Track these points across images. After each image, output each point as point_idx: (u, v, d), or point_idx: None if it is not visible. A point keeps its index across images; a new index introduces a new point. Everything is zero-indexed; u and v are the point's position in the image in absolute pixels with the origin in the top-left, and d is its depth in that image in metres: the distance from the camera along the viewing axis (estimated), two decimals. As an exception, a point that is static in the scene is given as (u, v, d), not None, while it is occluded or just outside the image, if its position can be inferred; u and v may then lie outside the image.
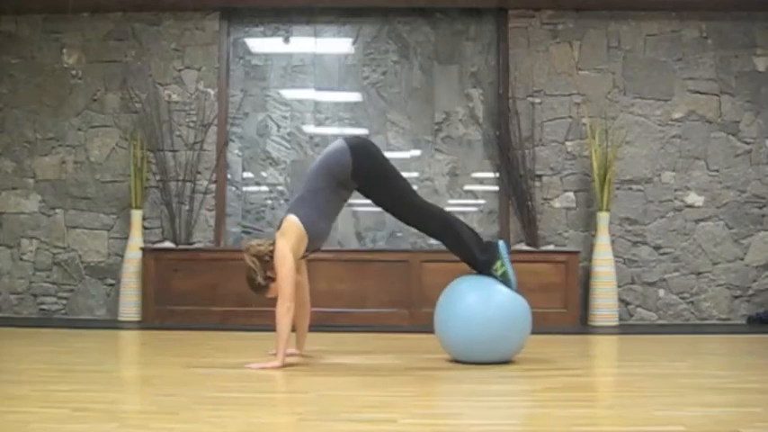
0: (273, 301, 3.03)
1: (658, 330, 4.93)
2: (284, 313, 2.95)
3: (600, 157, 5.42)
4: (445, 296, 3.17)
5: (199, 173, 5.73)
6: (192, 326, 4.93)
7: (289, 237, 3.04)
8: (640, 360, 3.33)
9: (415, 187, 5.73)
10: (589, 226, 5.59)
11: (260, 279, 3.08)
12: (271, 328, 3.03)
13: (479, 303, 3.04)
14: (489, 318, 2.99)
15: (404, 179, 3.19)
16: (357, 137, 3.25)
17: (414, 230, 5.70)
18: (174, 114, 5.77)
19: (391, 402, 2.20)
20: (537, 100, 5.71)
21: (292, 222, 3.06)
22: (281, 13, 5.93)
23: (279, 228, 3.10)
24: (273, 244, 3.09)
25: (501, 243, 3.15)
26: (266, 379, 2.67)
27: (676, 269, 5.57)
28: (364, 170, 3.11)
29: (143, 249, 5.34)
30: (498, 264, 3.10)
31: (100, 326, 4.99)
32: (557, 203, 5.64)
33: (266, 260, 3.08)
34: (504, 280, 3.10)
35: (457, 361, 3.14)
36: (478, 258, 3.13)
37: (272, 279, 3.07)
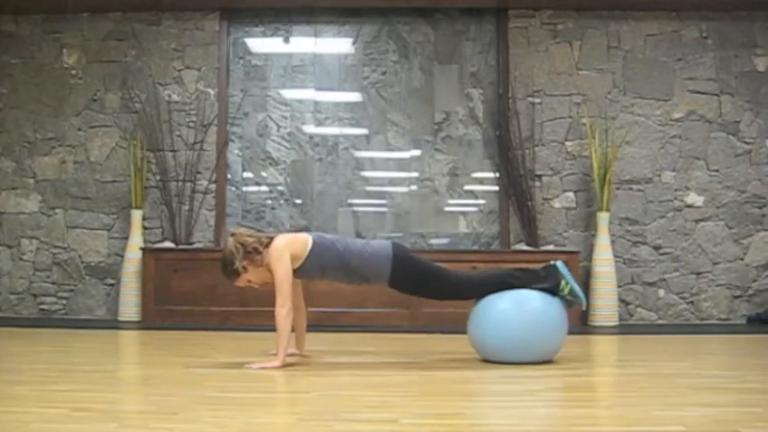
0: (273, 302, 3.03)
1: (658, 330, 4.93)
2: (284, 314, 2.95)
3: (600, 157, 5.42)
4: (480, 304, 3.16)
5: (199, 173, 5.73)
6: (192, 326, 4.93)
7: (292, 244, 3.03)
8: (640, 360, 3.33)
9: (414, 187, 5.76)
10: (589, 226, 5.59)
11: (237, 264, 3.02)
12: (270, 328, 3.03)
13: (515, 307, 3.05)
14: (525, 319, 3.02)
15: (440, 272, 3.16)
16: (402, 247, 3.20)
17: (414, 230, 5.72)
18: (174, 114, 5.77)
19: (391, 402, 2.20)
20: (537, 100, 5.71)
21: (305, 239, 3.07)
22: (281, 13, 5.93)
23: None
24: (269, 240, 3.07)
25: (559, 264, 3.14)
26: (266, 379, 2.67)
27: (676, 269, 5.57)
28: (400, 280, 3.13)
29: (143, 249, 5.34)
30: (563, 283, 3.10)
31: (100, 326, 4.99)
32: (557, 203, 5.64)
33: (249, 251, 3.04)
34: (572, 297, 3.11)
35: (487, 361, 3.12)
36: (545, 288, 3.11)
37: (245, 270, 3.04)
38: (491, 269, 3.30)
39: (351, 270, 3.09)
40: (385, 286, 3.16)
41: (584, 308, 3.19)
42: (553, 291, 3.10)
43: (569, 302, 3.14)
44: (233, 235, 3.09)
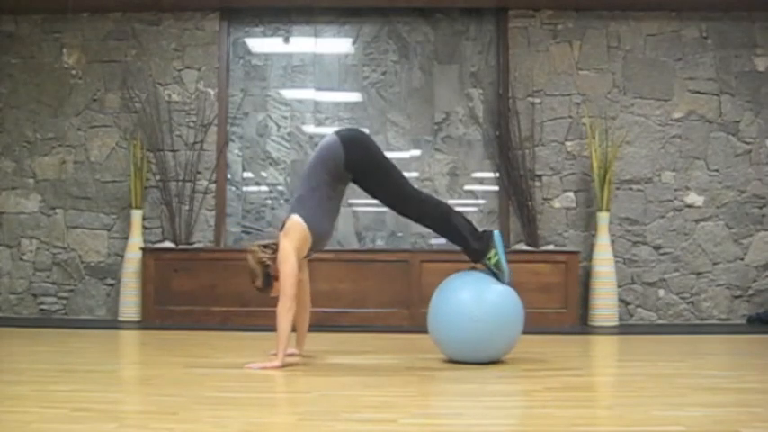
0: (273, 301, 3.03)
1: (658, 330, 4.93)
2: (285, 312, 2.95)
3: (600, 157, 5.42)
4: (437, 294, 3.17)
5: (199, 173, 5.73)
6: (192, 326, 4.93)
7: (292, 237, 3.04)
8: (640, 360, 3.33)
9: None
10: (589, 226, 5.59)
11: (259, 283, 3.10)
12: (271, 328, 3.03)
13: (471, 301, 3.03)
14: (481, 316, 2.99)
15: (397, 170, 3.19)
16: (348, 129, 3.23)
17: (414, 231, 5.72)
18: (174, 114, 5.77)
19: (391, 402, 2.20)
20: (537, 100, 5.71)
21: (296, 222, 3.06)
22: (281, 13, 5.93)
23: (282, 228, 3.10)
24: (276, 245, 3.09)
25: (496, 233, 3.14)
26: (266, 379, 2.67)
27: (676, 269, 5.57)
28: (357, 160, 3.11)
29: (143, 249, 5.34)
30: (492, 252, 3.09)
31: (100, 326, 4.99)
32: (557, 203, 5.64)
33: (267, 262, 3.08)
34: (496, 269, 3.10)
35: (452, 361, 3.14)
36: (472, 247, 3.13)
37: (276, 278, 3.07)
38: (441, 201, 3.29)
39: (323, 185, 3.09)
40: (346, 175, 3.12)
41: (505, 282, 3.11)
42: (479, 255, 3.11)
43: (494, 274, 3.11)
44: (249, 251, 3.12)
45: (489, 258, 3.10)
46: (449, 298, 3.09)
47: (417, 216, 3.21)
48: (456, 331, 3.03)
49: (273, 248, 3.10)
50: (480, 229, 3.22)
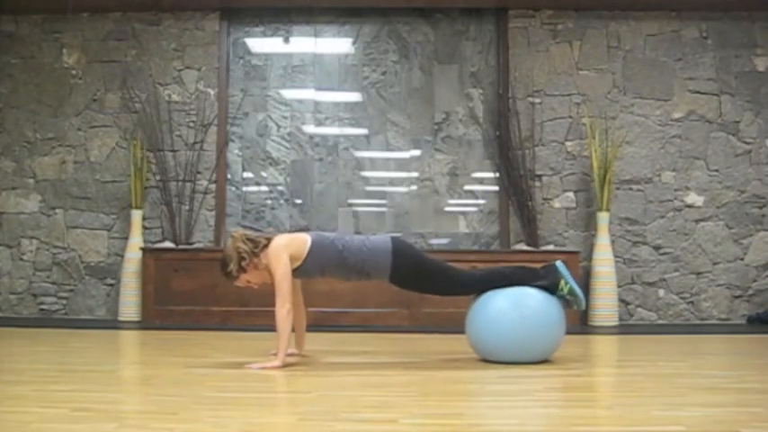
0: (273, 302, 3.03)
1: (658, 330, 4.93)
2: (284, 314, 2.95)
3: (600, 157, 5.42)
4: (478, 302, 3.17)
5: (199, 173, 5.73)
6: (192, 326, 4.93)
7: (291, 244, 3.03)
8: (640, 360, 3.33)
9: (414, 187, 5.76)
10: (589, 226, 5.59)
11: (232, 267, 3.03)
12: (270, 328, 3.03)
13: (512, 306, 3.05)
14: (522, 318, 3.01)
15: (440, 267, 3.16)
16: (402, 242, 3.17)
17: (414, 231, 5.72)
18: (174, 114, 5.77)
19: (391, 402, 2.20)
20: (537, 100, 5.71)
21: (304, 239, 3.07)
22: (281, 13, 5.93)
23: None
24: (268, 241, 3.08)
25: (559, 263, 3.14)
26: (266, 379, 2.67)
27: (676, 269, 5.57)
28: (400, 275, 3.11)
29: (143, 249, 5.34)
30: (562, 283, 3.10)
31: (100, 326, 4.99)
32: (557, 203, 5.64)
33: (244, 256, 3.04)
34: (571, 297, 3.11)
35: (486, 360, 3.12)
36: (544, 286, 3.11)
37: (244, 270, 3.05)
38: (492, 267, 3.29)
39: (350, 267, 3.08)
40: (386, 282, 3.15)
41: (582, 308, 3.19)
42: (552, 289, 3.11)
43: (568, 302, 3.14)
44: (232, 237, 3.09)
45: (561, 289, 3.11)
46: (490, 301, 3.09)
47: (479, 292, 3.16)
48: (497, 335, 3.04)
49: (257, 244, 3.08)
50: (542, 266, 3.19)
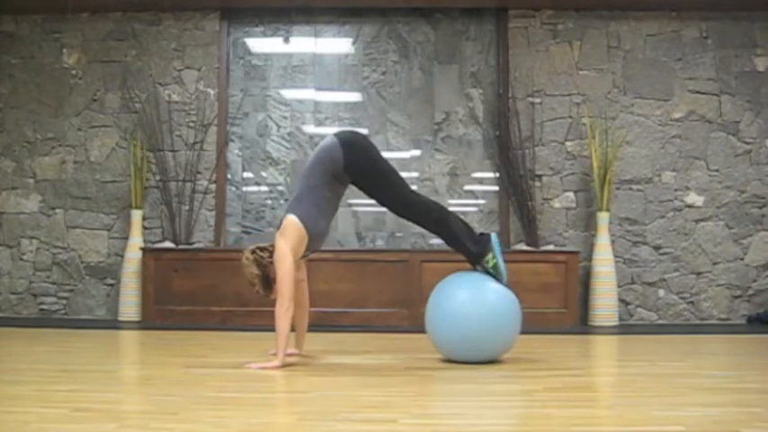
0: (273, 302, 3.03)
1: (658, 330, 4.93)
2: (283, 313, 2.95)
3: (600, 157, 5.42)
4: (434, 295, 3.17)
5: (199, 173, 5.73)
6: (192, 326, 4.93)
7: (288, 236, 3.04)
8: (640, 360, 3.33)
9: (414, 187, 5.76)
10: (589, 226, 5.59)
11: (259, 288, 3.11)
12: (270, 328, 3.03)
13: (469, 301, 3.03)
14: (479, 316, 2.99)
15: (396, 172, 3.20)
16: (348, 131, 3.26)
17: (414, 231, 5.72)
18: (174, 114, 5.77)
19: (391, 402, 2.20)
20: (537, 100, 5.71)
21: (292, 222, 3.06)
22: (281, 13, 5.93)
23: (279, 227, 3.10)
24: (272, 247, 3.09)
25: (494, 235, 3.16)
26: (266, 379, 2.67)
27: (676, 269, 5.57)
28: (356, 163, 3.12)
29: (143, 249, 5.34)
30: (490, 255, 3.12)
31: (100, 326, 4.99)
32: (557, 203, 5.64)
33: (265, 265, 3.09)
34: (494, 271, 3.12)
35: (449, 360, 3.14)
36: (471, 250, 3.15)
37: (275, 279, 3.07)
38: (439, 203, 3.30)
39: (322, 185, 3.10)
40: (345, 176, 3.13)
41: (503, 284, 3.14)
42: (477, 258, 3.13)
43: (491, 275, 3.13)
44: (247, 260, 3.11)
45: (487, 261, 3.12)
46: (446, 297, 3.09)
47: (415, 218, 3.22)
48: (453, 331, 3.03)
49: (270, 250, 3.10)
50: (478, 232, 3.23)
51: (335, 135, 3.18)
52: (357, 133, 3.26)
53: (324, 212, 3.15)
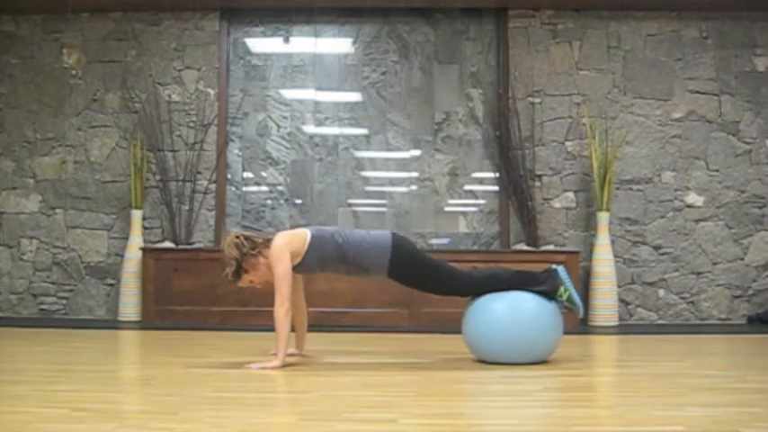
0: (272, 301, 3.03)
1: (658, 330, 4.93)
2: (283, 314, 2.95)
3: (600, 157, 5.42)
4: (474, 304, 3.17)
5: (199, 173, 5.73)
6: (192, 326, 4.93)
7: (291, 240, 3.04)
8: (640, 360, 3.33)
9: (414, 187, 5.76)
10: (589, 226, 5.59)
11: (228, 270, 3.04)
12: (270, 328, 3.03)
13: (509, 308, 3.05)
14: (519, 320, 3.01)
15: (440, 265, 3.15)
16: (401, 237, 3.17)
17: (414, 231, 5.72)
18: (174, 114, 5.77)
19: (391, 402, 2.20)
20: (537, 100, 5.71)
21: (304, 234, 3.07)
22: (281, 13, 5.93)
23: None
24: (269, 240, 3.08)
25: (560, 269, 3.13)
26: (266, 379, 2.67)
27: (676, 269, 5.57)
28: (399, 271, 3.10)
29: (143, 249, 5.34)
30: (561, 289, 3.10)
31: (100, 326, 4.99)
32: (557, 203, 5.64)
33: (244, 253, 3.04)
34: (569, 304, 3.11)
35: (482, 361, 3.13)
36: (542, 291, 3.10)
37: (246, 270, 3.05)
38: (492, 268, 3.28)
39: (349, 261, 3.08)
40: (384, 277, 3.14)
41: (580, 316, 3.18)
42: (551, 295, 3.10)
43: (567, 308, 3.14)
44: (227, 240, 3.08)
45: (560, 296, 3.10)
46: (487, 303, 3.09)
47: (479, 293, 3.15)
48: (493, 336, 3.04)
49: (255, 243, 3.08)
50: (543, 270, 3.18)
51: (392, 238, 3.10)
52: (408, 241, 3.18)
53: (325, 265, 3.12)
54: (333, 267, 3.13)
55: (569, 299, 3.09)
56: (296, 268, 3.08)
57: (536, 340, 3.05)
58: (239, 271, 3.06)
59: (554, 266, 3.16)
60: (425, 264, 3.14)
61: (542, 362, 3.12)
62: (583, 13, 5.74)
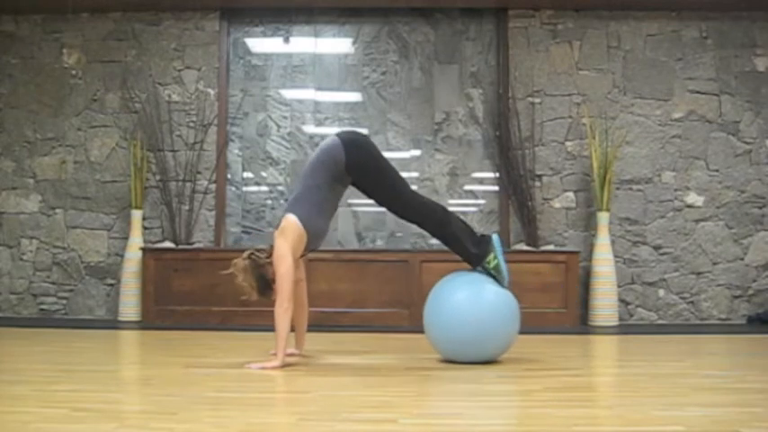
0: (273, 302, 3.03)
1: (658, 330, 4.93)
2: (282, 313, 2.95)
3: (600, 157, 5.42)
4: (432, 296, 3.17)
5: (199, 173, 5.73)
6: (192, 326, 4.93)
7: (287, 235, 3.04)
8: (640, 360, 3.33)
9: (414, 187, 5.76)
10: (589, 226, 5.59)
11: (253, 293, 3.08)
12: (270, 328, 3.03)
13: (467, 302, 3.03)
14: (477, 317, 2.99)
15: (397, 173, 3.19)
16: (350, 131, 3.25)
17: (414, 231, 5.72)
18: (174, 114, 5.77)
19: (391, 402, 2.20)
20: (537, 100, 5.71)
21: (291, 221, 3.06)
22: (281, 13, 5.93)
23: (277, 227, 3.10)
24: (271, 248, 3.09)
25: (495, 236, 3.15)
26: (266, 379, 2.67)
27: (676, 269, 5.57)
28: (358, 163, 3.11)
29: (143, 249, 5.34)
30: (491, 256, 3.10)
31: (100, 326, 4.99)
32: (557, 203, 5.64)
33: (262, 264, 3.07)
34: (495, 273, 3.10)
35: (448, 361, 3.14)
36: (471, 251, 3.13)
37: (273, 280, 3.06)
38: (440, 204, 3.28)
39: (323, 185, 3.09)
40: (346, 177, 3.12)
41: (504, 286, 3.13)
42: (479, 260, 3.11)
43: (492, 277, 3.12)
44: (238, 265, 3.09)
45: (488, 262, 3.10)
46: (445, 298, 3.09)
47: (415, 219, 3.21)
48: (452, 331, 3.03)
49: (267, 250, 3.09)
50: (479, 234, 3.22)
51: (337, 135, 3.17)
52: (359, 133, 3.25)
53: (323, 212, 3.14)
54: (327, 204, 3.14)
55: (496, 267, 3.09)
56: (312, 244, 3.11)
57: (492, 335, 3.03)
58: (266, 283, 3.06)
59: (490, 233, 3.17)
60: (380, 160, 3.15)
61: (542, 361, 3.11)
62: (583, 13, 5.74)
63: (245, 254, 3.11)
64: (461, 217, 3.31)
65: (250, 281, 3.06)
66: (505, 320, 3.05)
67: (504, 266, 3.10)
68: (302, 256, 3.18)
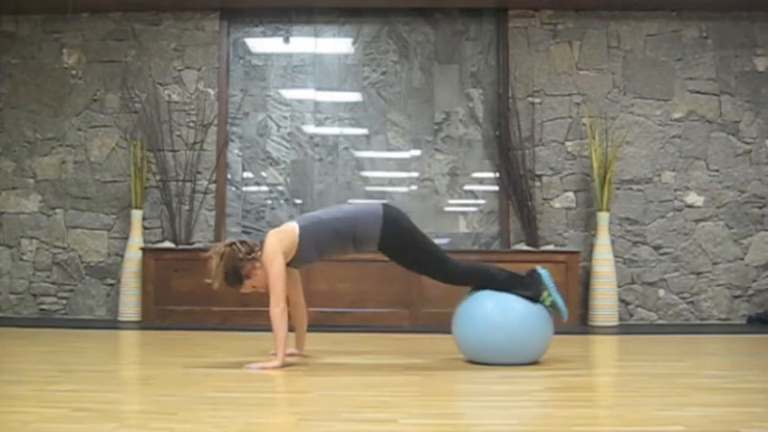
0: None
1: (658, 330, 4.93)
2: (278, 313, 2.94)
3: (600, 157, 5.42)
4: (465, 302, 3.16)
5: (199, 173, 5.73)
6: (192, 326, 4.93)
7: (283, 238, 3.03)
8: (640, 360, 3.33)
9: (414, 187, 5.76)
10: (589, 226, 5.59)
11: (217, 284, 3.04)
12: (270, 328, 3.03)
13: (498, 309, 3.03)
14: (510, 321, 3.00)
15: (431, 246, 3.13)
16: (393, 208, 3.15)
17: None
18: (174, 114, 5.77)
19: (391, 402, 2.20)
20: (537, 100, 5.71)
21: (292, 228, 3.06)
22: (281, 13, 5.93)
23: (276, 226, 3.10)
24: (262, 243, 3.07)
25: (544, 273, 3.10)
26: (266, 379, 2.67)
27: (676, 269, 5.57)
28: (390, 243, 3.08)
29: (143, 249, 5.34)
30: (545, 295, 3.07)
31: (100, 326, 4.99)
32: (557, 203, 5.64)
33: (240, 258, 3.03)
34: (553, 308, 3.10)
35: (472, 362, 3.13)
36: (525, 295, 3.07)
37: (248, 276, 3.04)
38: (480, 263, 3.26)
39: (341, 235, 3.06)
40: (374, 249, 3.10)
41: (564, 319, 3.15)
42: (534, 300, 3.08)
43: (551, 313, 3.12)
44: (224, 251, 3.04)
45: (543, 300, 3.08)
46: (476, 306, 3.08)
47: (460, 285, 3.17)
48: (481, 336, 3.03)
49: (253, 248, 3.07)
50: (526, 271, 3.15)
51: (383, 208, 3.09)
52: (401, 212, 3.16)
53: (322, 249, 3.11)
54: (329, 248, 3.10)
55: (553, 304, 3.08)
56: (293, 262, 3.08)
57: (525, 341, 3.04)
58: (240, 278, 3.05)
59: (538, 269, 3.12)
60: (418, 241, 3.11)
61: (541, 361, 3.11)
62: (583, 13, 5.74)
63: (228, 241, 3.09)
64: (499, 267, 3.24)
65: (220, 268, 3.03)
66: (540, 326, 3.06)
67: (560, 302, 3.09)
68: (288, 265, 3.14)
